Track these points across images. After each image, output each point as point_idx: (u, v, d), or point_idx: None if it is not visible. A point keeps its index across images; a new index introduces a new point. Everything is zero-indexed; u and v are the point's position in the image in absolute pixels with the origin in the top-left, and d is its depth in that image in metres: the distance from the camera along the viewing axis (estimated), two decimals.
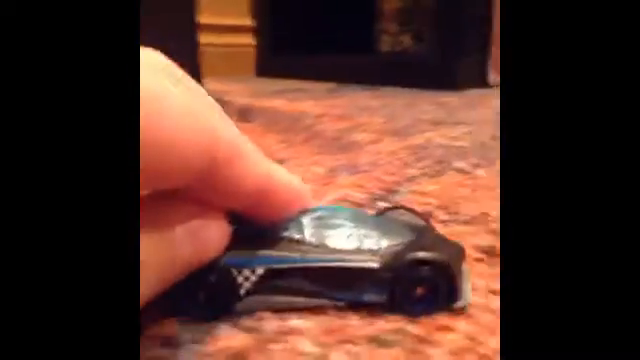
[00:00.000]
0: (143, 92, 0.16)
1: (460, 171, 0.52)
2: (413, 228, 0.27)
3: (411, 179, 0.48)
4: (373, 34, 1.51)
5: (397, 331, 0.23)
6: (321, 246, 0.24)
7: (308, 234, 0.24)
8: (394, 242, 0.25)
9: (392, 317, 0.24)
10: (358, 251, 0.24)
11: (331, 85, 1.38)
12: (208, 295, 0.23)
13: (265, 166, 0.21)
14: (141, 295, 0.18)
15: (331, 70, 1.46)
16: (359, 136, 0.69)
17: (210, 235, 0.21)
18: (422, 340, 0.22)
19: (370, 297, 0.24)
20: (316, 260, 0.24)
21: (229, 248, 0.22)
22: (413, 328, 0.23)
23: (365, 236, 0.25)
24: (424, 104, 1.00)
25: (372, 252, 0.24)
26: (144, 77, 0.16)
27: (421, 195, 0.44)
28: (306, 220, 0.25)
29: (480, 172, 0.51)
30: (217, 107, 0.20)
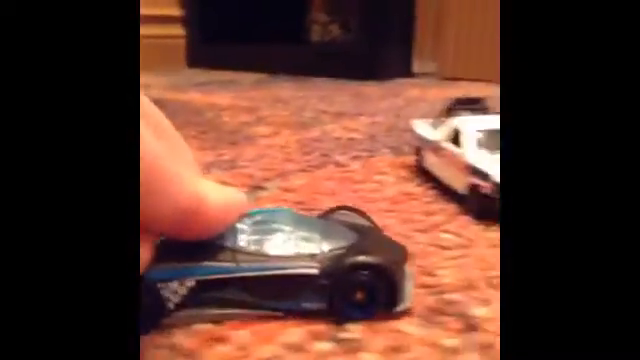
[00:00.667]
0: None
1: (338, 165, 0.53)
2: (357, 230, 0.26)
3: (284, 175, 0.49)
4: (305, 24, 1.51)
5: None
6: (257, 253, 0.23)
7: (244, 241, 0.23)
8: (335, 246, 0.24)
9: None
10: (296, 257, 0.23)
11: (261, 76, 1.38)
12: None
13: (191, 187, 0.19)
14: None
15: (263, 61, 1.46)
16: (258, 129, 0.69)
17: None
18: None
19: (310, 304, 0.23)
20: (251, 269, 0.23)
21: (155, 260, 0.21)
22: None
23: (305, 240, 0.24)
24: (341, 95, 1.01)
25: (311, 257, 0.23)
26: None
27: (285, 191, 0.44)
28: (243, 226, 0.24)
29: (355, 165, 0.52)
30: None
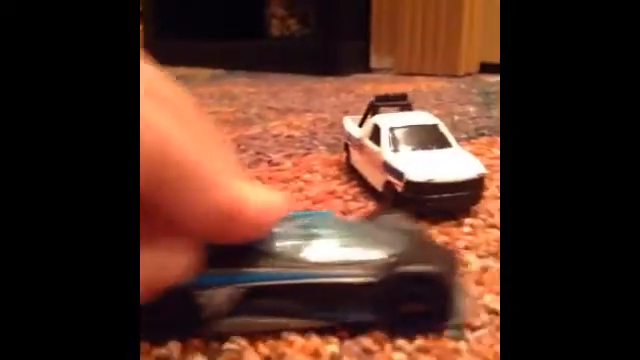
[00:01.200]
0: None
1: (271, 163, 0.52)
2: (404, 234, 0.24)
3: None
4: (263, 18, 1.49)
5: None
6: (300, 260, 0.21)
7: (286, 246, 0.22)
8: (383, 254, 0.22)
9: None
10: (343, 265, 0.21)
11: (218, 72, 1.36)
12: (164, 317, 0.21)
13: (232, 189, 0.18)
14: None
15: (221, 56, 1.43)
16: None
17: (174, 258, 0.18)
18: None
19: (356, 316, 0.21)
20: (295, 276, 0.21)
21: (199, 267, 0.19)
22: None
23: (350, 247, 0.22)
24: (293, 91, 1.00)
25: (359, 266, 0.21)
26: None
27: None
28: (283, 230, 0.22)
29: (288, 164, 0.51)
30: (195, 123, 0.18)
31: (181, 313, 0.21)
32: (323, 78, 1.18)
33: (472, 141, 0.58)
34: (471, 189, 0.35)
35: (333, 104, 0.85)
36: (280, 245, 0.22)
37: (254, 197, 0.19)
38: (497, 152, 0.52)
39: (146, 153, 0.16)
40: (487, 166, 0.37)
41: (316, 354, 0.21)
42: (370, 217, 0.27)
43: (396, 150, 0.37)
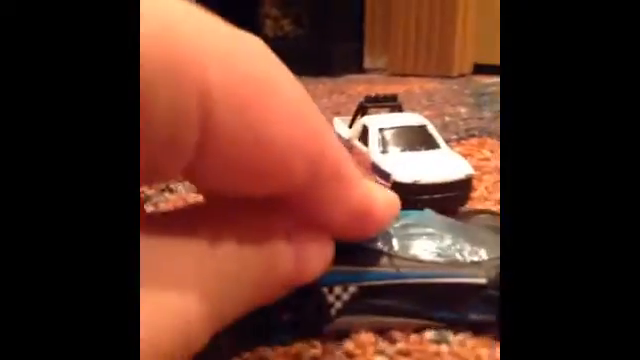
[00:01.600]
0: (255, 80, 0.14)
1: None
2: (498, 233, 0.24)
3: None
4: (257, 19, 1.49)
5: None
6: (415, 259, 0.21)
7: (398, 245, 0.22)
8: (490, 253, 0.22)
9: None
10: (457, 264, 0.21)
11: None
12: (294, 317, 0.21)
13: (363, 187, 0.19)
14: (234, 309, 0.16)
15: None
16: None
17: (314, 253, 0.18)
18: None
19: (477, 316, 0.21)
20: (414, 276, 0.21)
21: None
22: None
23: (459, 246, 0.22)
24: None
25: (475, 265, 0.21)
26: (258, 62, 0.15)
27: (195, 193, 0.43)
28: (391, 230, 0.22)
29: None
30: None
31: (310, 312, 0.21)
32: (317, 79, 1.18)
33: (462, 142, 0.58)
34: (459, 190, 0.35)
35: (325, 105, 0.85)
36: (395, 244, 0.22)
37: (379, 195, 0.19)
38: (487, 153, 0.52)
39: (306, 142, 0.16)
40: (476, 167, 0.37)
41: (297, 357, 0.21)
42: (464, 216, 0.27)
43: (385, 151, 0.37)
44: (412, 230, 0.23)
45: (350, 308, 0.21)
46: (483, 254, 0.22)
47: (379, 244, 0.21)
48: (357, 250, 0.21)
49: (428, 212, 0.25)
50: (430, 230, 0.23)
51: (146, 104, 0.13)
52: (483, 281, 0.21)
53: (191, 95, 0.13)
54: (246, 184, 0.16)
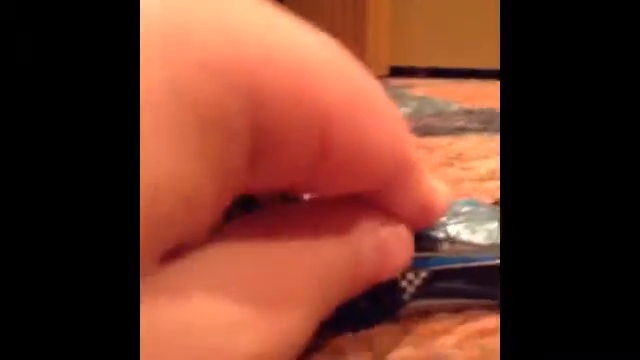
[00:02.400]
0: (359, 90, 0.15)
1: None
2: None
3: None
4: None
5: None
6: (474, 244, 0.23)
7: (453, 232, 0.23)
8: None
9: None
10: None
11: None
12: (371, 303, 0.21)
13: (428, 180, 0.20)
14: (322, 305, 0.16)
15: None
16: None
17: (397, 246, 0.19)
18: None
19: None
20: (477, 259, 0.23)
21: None
22: None
23: None
24: None
25: None
26: (354, 72, 0.15)
27: None
28: (444, 218, 0.24)
29: None
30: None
31: (386, 297, 0.22)
32: None
33: None
34: None
35: None
36: (451, 230, 0.24)
37: (439, 187, 0.21)
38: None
39: (393, 139, 0.16)
40: None
41: (369, 342, 0.21)
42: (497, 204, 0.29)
43: None
44: (461, 217, 0.25)
45: (421, 292, 0.22)
46: None
47: (439, 232, 0.23)
48: (421, 238, 0.22)
49: (472, 200, 0.28)
50: (477, 216, 0.25)
51: (278, 138, 0.13)
52: None
53: (314, 127, 0.14)
54: (347, 186, 0.17)
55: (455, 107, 0.73)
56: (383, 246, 0.18)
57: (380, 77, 1.25)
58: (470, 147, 0.50)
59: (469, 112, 0.69)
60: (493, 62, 1.04)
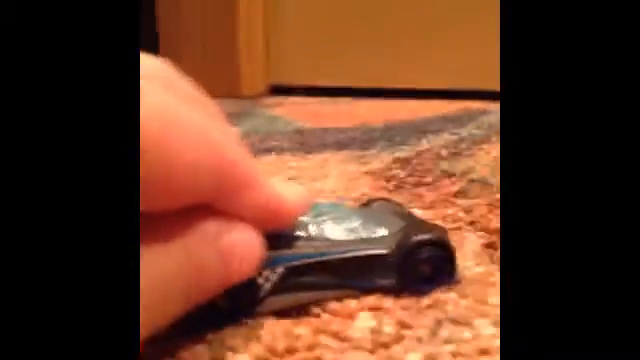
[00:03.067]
0: (148, 108, 0.16)
1: None
2: (399, 215, 0.29)
3: None
4: None
5: None
6: (331, 240, 0.25)
7: (315, 231, 0.25)
8: (392, 229, 0.27)
9: None
10: (364, 240, 0.26)
11: None
12: (229, 301, 0.23)
13: (270, 188, 0.21)
14: (167, 313, 0.18)
15: None
16: None
17: (245, 249, 0.21)
18: None
19: (383, 281, 0.26)
20: (330, 253, 0.25)
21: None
22: None
23: (365, 226, 0.27)
24: None
25: (380, 240, 0.26)
26: (148, 91, 0.17)
27: None
28: (306, 218, 0.26)
29: None
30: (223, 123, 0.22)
31: (243, 294, 0.23)
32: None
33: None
34: None
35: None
36: (312, 229, 0.25)
37: (288, 192, 0.22)
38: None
39: (208, 156, 0.18)
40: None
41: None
42: (366, 204, 0.32)
43: None
44: (324, 217, 0.27)
45: (279, 288, 0.24)
46: (384, 231, 0.27)
47: (298, 231, 0.25)
48: (280, 237, 0.24)
49: (335, 203, 0.31)
50: (337, 216, 0.27)
51: None
52: (385, 251, 0.26)
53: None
54: (160, 202, 0.18)
55: (290, 127, 0.74)
56: (228, 249, 0.20)
57: (255, 96, 1.24)
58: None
59: (299, 131, 0.69)
60: (365, 81, 1.05)
